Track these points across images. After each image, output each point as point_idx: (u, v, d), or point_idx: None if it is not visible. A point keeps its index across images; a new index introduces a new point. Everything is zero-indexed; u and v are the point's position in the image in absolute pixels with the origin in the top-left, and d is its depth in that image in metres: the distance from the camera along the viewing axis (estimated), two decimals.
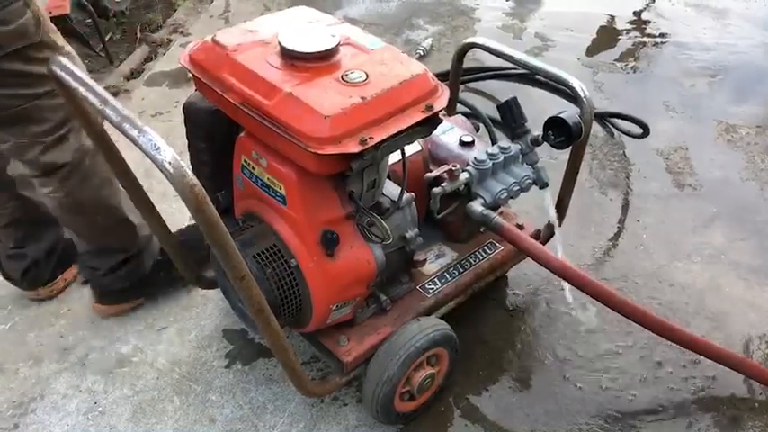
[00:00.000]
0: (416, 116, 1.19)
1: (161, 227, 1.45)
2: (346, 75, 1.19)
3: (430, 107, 1.21)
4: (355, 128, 1.13)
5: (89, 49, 3.05)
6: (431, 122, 1.23)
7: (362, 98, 1.15)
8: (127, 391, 1.63)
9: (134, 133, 0.95)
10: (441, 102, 1.23)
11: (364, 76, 1.19)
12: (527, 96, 2.64)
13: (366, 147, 1.12)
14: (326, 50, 1.21)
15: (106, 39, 3.30)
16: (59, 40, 1.49)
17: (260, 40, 1.29)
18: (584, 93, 1.62)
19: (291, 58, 1.22)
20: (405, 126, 1.17)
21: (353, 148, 1.11)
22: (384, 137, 1.15)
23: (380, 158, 1.21)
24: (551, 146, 1.56)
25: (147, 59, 3.09)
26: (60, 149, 1.50)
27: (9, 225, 1.74)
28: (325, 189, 1.27)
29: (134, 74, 2.96)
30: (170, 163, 0.93)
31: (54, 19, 2.62)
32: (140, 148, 0.95)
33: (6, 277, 1.83)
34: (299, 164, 1.18)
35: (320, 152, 1.10)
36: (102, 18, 3.24)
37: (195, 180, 0.95)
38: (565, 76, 1.65)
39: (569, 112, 1.54)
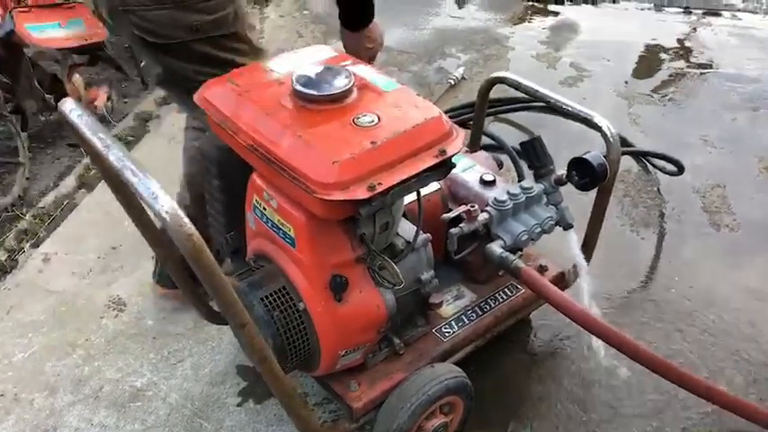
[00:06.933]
0: (429, 161, 1.16)
1: (176, 260, 1.44)
2: (358, 118, 1.16)
3: (443, 151, 1.17)
4: (364, 173, 1.10)
5: (124, 75, 3.12)
6: (444, 167, 1.19)
7: (373, 143, 1.12)
8: (138, 427, 1.62)
9: (133, 180, 0.94)
10: (455, 146, 1.19)
11: (376, 120, 1.16)
12: (560, 129, 2.58)
13: (374, 193, 1.09)
14: (339, 93, 1.19)
15: (143, 62, 3.37)
16: (255, 39, 1.58)
17: (275, 81, 1.27)
18: (610, 132, 1.57)
19: (304, 101, 1.20)
20: (416, 171, 1.14)
21: (361, 194, 1.08)
22: (394, 183, 1.11)
23: (390, 204, 1.17)
24: (575, 187, 1.51)
25: None
26: None
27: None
28: (335, 232, 1.24)
29: (166, 99, 3.00)
30: (167, 212, 0.91)
31: (90, 47, 2.73)
32: (139, 195, 0.93)
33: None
34: (307, 208, 1.16)
35: (327, 198, 1.07)
36: None
37: (193, 229, 0.93)
38: (591, 114, 1.60)
39: (595, 152, 1.49)
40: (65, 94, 2.72)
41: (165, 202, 0.92)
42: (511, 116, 2.73)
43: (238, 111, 1.22)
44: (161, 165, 2.49)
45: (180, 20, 1.40)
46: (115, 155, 0.98)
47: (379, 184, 1.10)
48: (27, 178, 2.56)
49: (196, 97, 1.31)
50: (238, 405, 1.66)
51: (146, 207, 0.94)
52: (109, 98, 2.87)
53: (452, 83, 2.96)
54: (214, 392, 1.69)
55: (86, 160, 2.59)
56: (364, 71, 1.30)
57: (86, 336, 1.85)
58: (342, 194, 1.08)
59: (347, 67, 1.28)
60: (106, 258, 2.09)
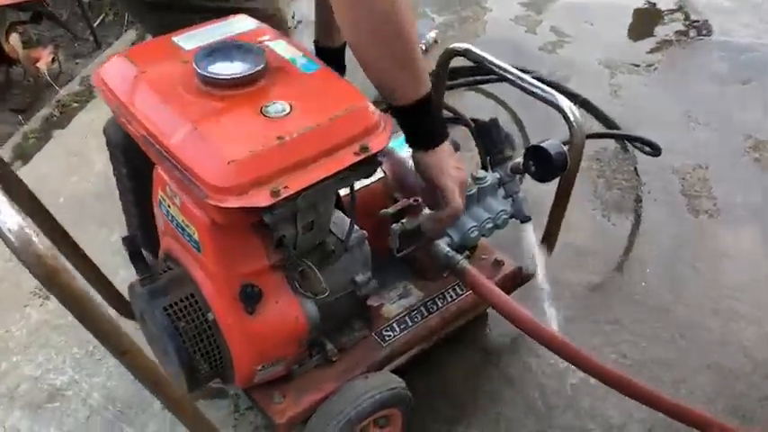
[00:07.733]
0: (347, 159, 0.99)
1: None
2: (266, 107, 1.00)
3: (365, 148, 1.01)
4: (267, 175, 0.94)
5: (73, 34, 2.91)
6: (366, 165, 1.03)
7: (280, 138, 0.96)
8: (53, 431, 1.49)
9: None
10: (380, 141, 1.03)
11: (288, 109, 1.00)
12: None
13: (278, 199, 0.93)
14: (247, 75, 1.02)
15: (98, 20, 3.16)
16: None
17: (179, 59, 1.10)
18: (574, 116, 1.42)
19: (207, 85, 1.03)
20: (330, 173, 0.97)
21: (262, 200, 0.92)
22: (303, 186, 0.95)
23: (303, 208, 1.01)
24: (533, 178, 1.36)
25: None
26: None
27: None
28: (246, 236, 1.08)
29: None
30: (10, 230, 0.75)
31: (29, 3, 2.52)
32: None
33: None
34: (205, 212, 1.00)
35: (220, 205, 0.92)
36: None
37: (44, 250, 0.77)
38: (553, 95, 1.44)
39: (554, 140, 1.33)
40: (3, 55, 2.53)
41: (8, 218, 0.76)
42: (490, 87, 2.52)
43: (133, 95, 1.05)
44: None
45: None
46: None
47: (285, 188, 0.94)
48: None
49: (94, 77, 1.14)
50: (163, 408, 1.53)
51: None
52: (54, 59, 2.67)
53: (424, 48, 2.76)
54: (139, 393, 1.56)
55: (26, 127, 2.41)
56: (284, 48, 1.13)
57: (7, 327, 1.71)
58: (238, 201, 0.92)
59: (262, 43, 1.12)
60: None
